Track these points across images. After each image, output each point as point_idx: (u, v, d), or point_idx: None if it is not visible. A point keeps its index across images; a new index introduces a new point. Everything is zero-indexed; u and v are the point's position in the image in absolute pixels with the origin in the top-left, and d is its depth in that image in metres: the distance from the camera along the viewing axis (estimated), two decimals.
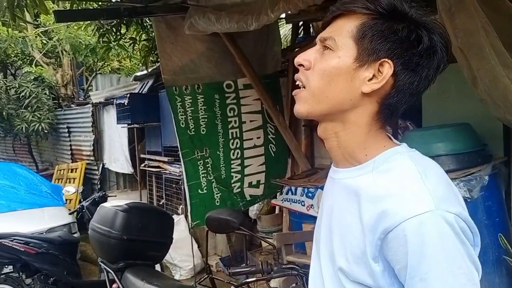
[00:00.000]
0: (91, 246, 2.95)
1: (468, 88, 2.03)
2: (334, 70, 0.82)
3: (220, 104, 3.98)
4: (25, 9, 2.94)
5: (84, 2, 3.61)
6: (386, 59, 0.80)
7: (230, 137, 4.07)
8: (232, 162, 4.14)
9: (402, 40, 0.80)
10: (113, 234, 2.57)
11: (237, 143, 4.12)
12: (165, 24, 3.56)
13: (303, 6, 2.44)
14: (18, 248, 3.93)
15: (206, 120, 3.94)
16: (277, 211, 4.75)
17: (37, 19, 8.54)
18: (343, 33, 0.82)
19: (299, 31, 4.66)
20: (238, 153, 4.14)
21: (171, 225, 3.05)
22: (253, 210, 5.02)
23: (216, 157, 4.08)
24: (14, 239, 4.01)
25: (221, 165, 4.12)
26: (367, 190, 0.82)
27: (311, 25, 4.53)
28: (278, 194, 4.31)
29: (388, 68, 0.80)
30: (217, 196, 4.08)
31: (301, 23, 4.51)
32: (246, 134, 4.15)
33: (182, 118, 3.86)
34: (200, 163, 3.99)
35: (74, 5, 3.21)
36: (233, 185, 4.20)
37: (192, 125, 3.93)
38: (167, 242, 2.93)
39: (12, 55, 8.66)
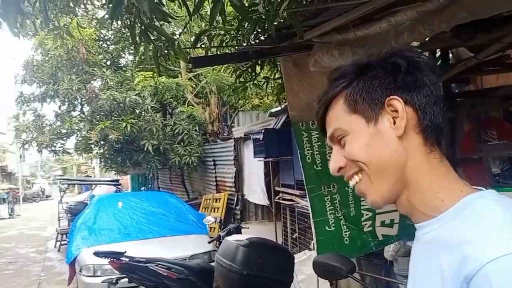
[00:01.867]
0: (216, 279, 3.09)
1: None
2: (363, 143, 0.81)
3: None
4: (174, 57, 3.34)
5: (219, 49, 3.93)
6: (388, 99, 0.80)
7: None
8: (362, 199, 3.93)
9: (384, 76, 0.81)
10: (234, 268, 2.64)
11: None
12: (291, 62, 3.65)
13: (430, 35, 2.25)
14: (162, 272, 4.32)
15: None
16: None
17: (189, 65, 9.67)
18: (339, 118, 0.84)
19: (437, 60, 4.31)
20: None
21: (292, 263, 3.00)
22: (388, 251, 4.67)
23: (344, 193, 3.92)
24: (159, 263, 4.43)
25: (350, 202, 3.93)
26: (448, 239, 0.75)
27: (449, 52, 4.15)
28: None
29: (397, 103, 0.80)
30: (346, 234, 3.89)
31: (438, 50, 4.17)
32: None
33: (308, 153, 3.84)
34: (327, 199, 3.88)
35: (209, 52, 3.51)
36: (363, 223, 3.97)
37: (318, 160, 3.87)
38: (286, 280, 2.88)
39: (169, 97, 9.93)
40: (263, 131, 6.39)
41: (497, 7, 1.77)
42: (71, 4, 3.37)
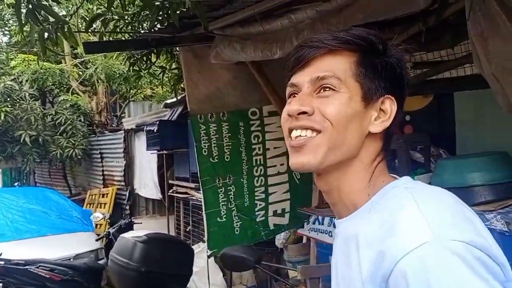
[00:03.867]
0: (111, 278, 2.92)
1: (505, 115, 1.91)
2: (349, 111, 0.75)
3: (244, 131, 3.95)
4: (63, 41, 3.04)
5: (113, 34, 3.70)
6: (389, 95, 0.78)
7: (254, 164, 4.01)
8: (256, 189, 4.07)
9: (395, 74, 0.79)
10: (131, 266, 2.53)
11: (261, 170, 4.06)
12: (191, 53, 3.60)
13: None
14: (44, 275, 3.97)
15: (230, 147, 3.91)
16: (304, 240, 4.60)
17: (74, 51, 8.93)
18: (342, 71, 0.76)
19: None
20: (262, 181, 4.08)
21: (191, 257, 2.98)
22: (279, 239, 4.89)
23: (239, 184, 4.03)
24: (40, 265, 4.05)
25: (245, 193, 4.06)
26: (363, 235, 0.72)
27: None
28: (305, 223, 4.19)
29: (391, 104, 0.78)
30: (237, 225, 4.00)
31: None
32: (270, 161, 4.09)
33: (205, 146, 3.85)
34: (221, 191, 3.95)
35: (103, 37, 3.29)
36: (257, 213, 4.12)
37: (215, 153, 3.91)
38: (187, 274, 2.86)
39: (51, 84, 9.05)
40: (157, 122, 6.20)
41: (392, 11, 1.95)
42: None
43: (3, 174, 17.49)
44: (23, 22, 2.63)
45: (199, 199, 5.93)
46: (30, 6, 2.59)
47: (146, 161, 7.79)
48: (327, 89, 0.76)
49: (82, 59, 8.83)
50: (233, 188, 3.98)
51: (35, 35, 2.87)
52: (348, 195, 0.79)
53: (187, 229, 6.39)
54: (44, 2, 2.76)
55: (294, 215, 4.20)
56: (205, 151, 3.86)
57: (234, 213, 3.99)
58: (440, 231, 0.62)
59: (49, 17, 2.77)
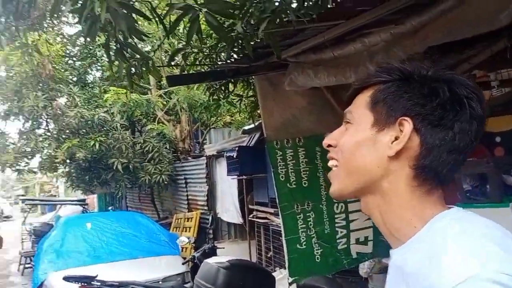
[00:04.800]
0: None
1: None
2: (355, 140, 0.82)
3: (321, 156, 3.89)
4: (147, 75, 3.29)
5: (193, 67, 3.91)
6: (404, 117, 0.77)
7: None
8: (336, 216, 3.95)
9: (416, 95, 0.78)
10: None
11: None
12: (266, 81, 3.67)
13: (404, 56, 2.31)
14: None
15: (307, 173, 3.87)
16: None
17: (159, 82, 9.58)
18: (359, 104, 0.84)
19: None
20: (342, 207, 3.95)
21: (273, 284, 2.97)
22: (363, 268, 4.70)
23: (318, 211, 3.94)
24: (132, 287, 4.28)
25: (325, 219, 3.96)
26: (409, 268, 0.73)
27: None
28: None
29: (406, 126, 0.76)
30: (317, 252, 3.90)
31: None
32: None
33: (282, 172, 3.85)
34: (300, 217, 3.90)
35: (185, 70, 3.49)
36: (338, 240, 3.99)
37: (292, 178, 3.88)
38: None
39: (139, 114, 9.76)
40: (236, 148, 6.36)
41: (470, 30, 1.84)
42: (44, 20, 3.28)
43: (98, 199, 19.04)
44: (112, 60, 2.88)
45: (278, 225, 5.93)
46: (118, 45, 2.84)
47: (227, 186, 7.99)
48: (348, 123, 0.85)
49: (166, 90, 9.43)
50: (312, 215, 3.91)
51: (123, 71, 3.12)
52: (391, 222, 0.80)
53: (268, 255, 6.39)
54: (130, 40, 3.00)
55: (378, 243, 4.01)
56: (282, 177, 3.86)
57: (314, 240, 3.90)
58: (485, 265, 0.62)
59: (135, 53, 3.01)
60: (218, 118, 9.87)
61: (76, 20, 3.00)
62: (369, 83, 0.84)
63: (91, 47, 10.21)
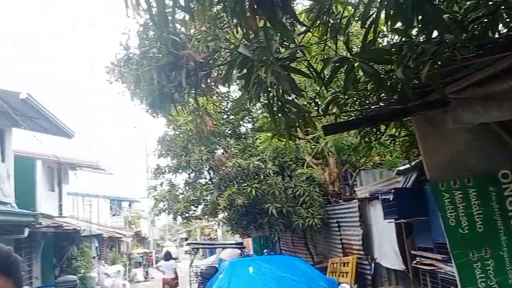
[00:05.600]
0: None
1: None
2: None
3: (497, 197, 3.50)
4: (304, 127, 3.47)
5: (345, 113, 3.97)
6: None
7: None
8: None
9: None
10: None
11: None
12: (425, 120, 3.53)
13: None
14: None
15: (482, 216, 3.51)
16: None
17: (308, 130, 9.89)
18: None
19: None
20: None
21: None
22: None
23: (499, 258, 3.51)
24: None
25: (507, 268, 3.50)
26: None
27: None
28: None
29: None
30: None
31: None
32: None
33: (451, 216, 3.56)
34: (477, 266, 3.51)
35: (339, 118, 3.57)
36: None
37: (464, 223, 3.56)
38: None
39: (288, 160, 10.16)
40: (392, 190, 6.11)
41: None
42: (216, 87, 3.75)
43: (253, 242, 19.93)
44: (275, 116, 3.12)
45: (448, 273, 5.40)
46: (280, 103, 3.08)
47: (384, 230, 7.64)
48: None
49: (314, 135, 9.67)
50: (491, 263, 3.50)
51: (283, 125, 3.34)
52: None
53: None
54: (287, 96, 3.22)
55: None
56: (452, 222, 3.58)
57: None
58: None
59: (293, 108, 3.21)
60: (367, 159, 9.66)
61: (242, 84, 3.37)
62: None
63: (243, 102, 11.16)
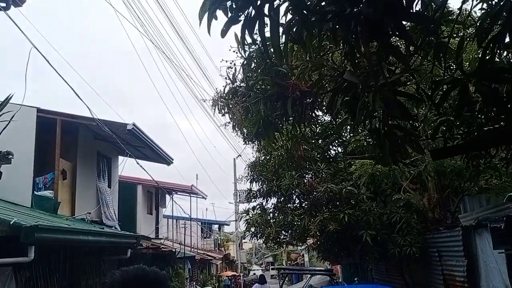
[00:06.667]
0: None
1: None
2: None
3: None
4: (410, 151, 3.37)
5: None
6: None
7: None
8: None
9: None
10: None
11: None
12: None
13: None
14: None
15: None
16: None
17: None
18: None
19: None
20: None
21: None
22: None
23: None
24: None
25: None
26: None
27: None
28: None
29: None
30: None
31: None
32: None
33: None
34: None
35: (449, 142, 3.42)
36: None
37: None
38: None
39: (385, 186, 9.81)
40: (504, 218, 5.60)
41: None
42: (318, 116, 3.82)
43: (343, 269, 19.32)
44: (380, 141, 3.08)
45: None
46: (385, 128, 3.04)
47: (493, 262, 6.99)
48: None
49: (413, 158, 9.26)
50: None
51: (387, 150, 3.28)
52: None
53: None
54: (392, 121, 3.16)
55: None
56: None
57: None
58: None
59: (399, 133, 3.14)
60: (472, 184, 8.98)
61: (346, 110, 3.39)
62: None
63: (332, 126, 11.09)
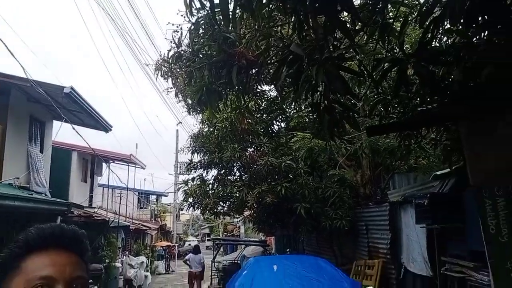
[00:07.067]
0: None
1: None
2: None
3: None
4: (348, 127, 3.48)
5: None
6: None
7: None
8: None
9: None
10: None
11: None
12: (474, 125, 3.48)
13: None
14: None
15: None
16: None
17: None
18: None
19: None
20: None
21: None
22: None
23: None
24: None
25: None
26: None
27: None
28: None
29: None
30: None
31: None
32: None
33: (492, 223, 3.54)
34: None
35: (384, 120, 3.58)
36: None
37: (505, 231, 3.53)
38: None
39: (321, 160, 10.13)
40: (428, 195, 6.02)
41: None
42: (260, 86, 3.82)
43: (277, 241, 19.99)
44: (321, 115, 3.16)
45: (479, 281, 5.30)
46: (326, 102, 3.11)
47: (414, 235, 7.54)
48: None
49: (350, 136, 9.63)
50: None
51: (326, 124, 3.37)
52: None
53: None
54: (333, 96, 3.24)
55: None
56: (492, 229, 3.55)
57: None
58: None
59: (338, 107, 3.24)
60: (402, 163, 9.54)
61: (290, 82, 3.41)
62: None
63: (277, 101, 11.19)
